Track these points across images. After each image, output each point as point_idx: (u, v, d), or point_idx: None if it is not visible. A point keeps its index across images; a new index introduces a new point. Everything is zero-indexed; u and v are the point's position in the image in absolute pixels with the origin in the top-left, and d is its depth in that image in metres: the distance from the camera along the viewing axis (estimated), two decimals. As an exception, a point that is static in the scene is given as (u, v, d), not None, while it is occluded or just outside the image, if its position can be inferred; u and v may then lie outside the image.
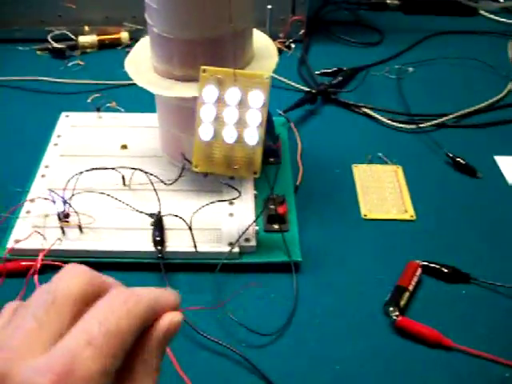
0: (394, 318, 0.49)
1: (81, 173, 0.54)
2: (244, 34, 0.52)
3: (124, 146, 0.60)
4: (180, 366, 0.44)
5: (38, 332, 0.23)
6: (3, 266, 0.51)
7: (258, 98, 0.47)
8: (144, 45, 0.58)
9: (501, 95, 0.75)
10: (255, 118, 0.47)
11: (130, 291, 0.26)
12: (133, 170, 0.56)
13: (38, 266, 0.50)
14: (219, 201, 0.53)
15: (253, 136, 0.47)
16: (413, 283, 0.51)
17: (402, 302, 0.50)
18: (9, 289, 0.50)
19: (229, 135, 0.47)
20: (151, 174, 0.54)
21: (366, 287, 0.52)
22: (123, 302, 0.25)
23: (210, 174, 0.49)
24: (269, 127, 0.48)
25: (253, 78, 0.47)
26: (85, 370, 0.22)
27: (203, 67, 0.47)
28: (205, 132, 0.47)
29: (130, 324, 0.24)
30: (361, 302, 0.51)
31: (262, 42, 0.57)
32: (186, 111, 0.54)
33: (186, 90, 0.51)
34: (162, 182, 0.54)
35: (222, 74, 0.47)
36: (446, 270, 0.53)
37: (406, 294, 0.50)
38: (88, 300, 0.25)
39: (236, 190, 0.51)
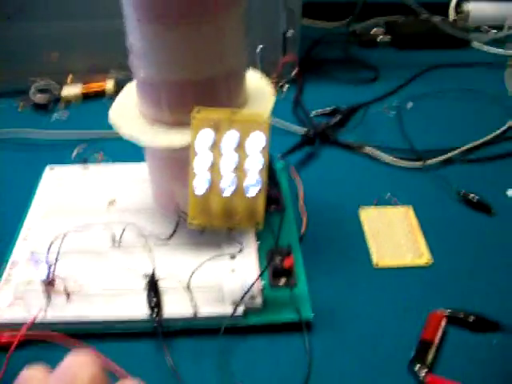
0: (422, 377, 0.44)
1: (65, 233, 0.49)
2: (237, 74, 0.48)
3: (111, 202, 0.55)
4: None
5: None
6: (-18, 343, 0.46)
7: (258, 141, 0.42)
8: (129, 92, 0.54)
9: (506, 126, 0.72)
10: (256, 163, 0.43)
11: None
12: (123, 227, 0.52)
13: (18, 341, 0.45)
14: (219, 256, 0.48)
15: (254, 183, 0.43)
16: (438, 336, 0.47)
17: (429, 359, 0.45)
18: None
19: (227, 185, 0.43)
20: (143, 230, 0.50)
21: (386, 343, 0.47)
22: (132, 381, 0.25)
23: (209, 228, 0.44)
24: (270, 173, 0.44)
25: (251, 118, 0.42)
26: None
27: (197, 108, 0.43)
28: (200, 185, 0.43)
29: None
30: (382, 361, 0.46)
31: (255, 83, 0.53)
32: (178, 161, 0.49)
33: (176, 138, 0.47)
34: (157, 237, 0.49)
35: (218, 115, 0.43)
36: (472, 319, 0.48)
37: (432, 349, 0.46)
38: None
39: (238, 243, 0.46)
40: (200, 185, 0.43)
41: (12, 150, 0.70)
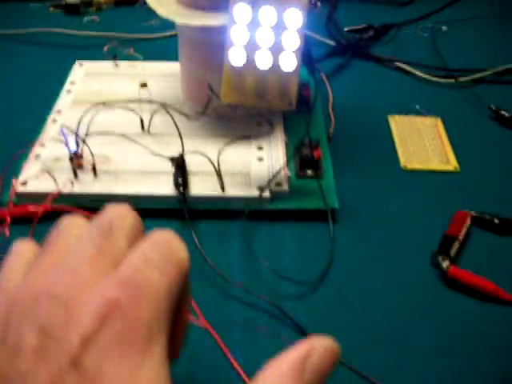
0: (445, 267, 0.44)
1: (95, 111, 0.49)
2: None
3: (144, 85, 0.55)
4: (207, 320, 0.39)
5: (99, 258, 0.22)
6: (8, 212, 0.47)
7: (295, 18, 0.42)
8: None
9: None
10: (292, 41, 0.42)
11: None
12: (152, 113, 0.52)
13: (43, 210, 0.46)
14: (247, 137, 0.48)
15: (289, 61, 0.42)
16: (462, 233, 0.46)
17: (452, 252, 0.45)
18: (15, 238, 0.45)
19: (262, 60, 0.42)
20: (174, 109, 0.50)
21: (410, 238, 0.47)
22: (171, 232, 0.24)
23: (241, 107, 0.44)
24: (307, 55, 0.43)
25: (290, -6, 0.42)
26: (151, 285, 0.21)
27: (234, -18, 0.42)
28: (236, 56, 0.42)
29: (180, 245, 0.24)
30: (405, 253, 0.46)
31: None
32: (212, 46, 0.49)
33: (213, 19, 0.47)
34: (186, 115, 0.49)
35: (255, -10, 0.42)
36: (497, 221, 0.48)
37: (456, 244, 0.45)
38: (138, 234, 0.24)
39: (268, 122, 0.46)
40: (236, 56, 0.42)
41: (42, 48, 0.70)
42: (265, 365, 0.21)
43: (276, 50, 0.42)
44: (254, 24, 0.42)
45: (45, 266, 0.22)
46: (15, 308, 0.21)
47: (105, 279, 0.21)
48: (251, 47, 0.43)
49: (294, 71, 0.43)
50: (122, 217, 0.24)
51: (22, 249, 0.25)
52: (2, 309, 0.21)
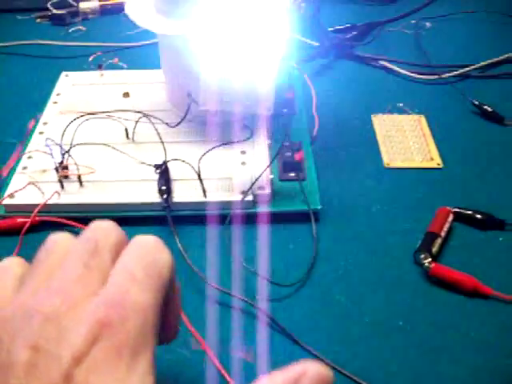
0: (427, 265, 0.44)
1: (80, 122, 0.50)
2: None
3: (126, 94, 0.55)
4: (190, 321, 0.40)
5: (87, 276, 0.23)
6: (-5, 224, 0.48)
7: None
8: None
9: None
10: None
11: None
12: (136, 122, 0.52)
13: (30, 221, 0.47)
14: (230, 142, 0.48)
15: (266, 68, 0.43)
16: (444, 229, 0.47)
17: (434, 249, 0.45)
18: (3, 249, 0.46)
19: (239, 68, 0.43)
20: (156, 118, 0.50)
21: (392, 237, 0.47)
22: (153, 239, 0.25)
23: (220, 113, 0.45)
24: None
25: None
26: (137, 303, 0.22)
27: None
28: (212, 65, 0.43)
29: (162, 252, 0.25)
30: (388, 252, 0.46)
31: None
32: (191, 53, 0.50)
33: (191, 28, 0.47)
34: (167, 124, 0.49)
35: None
36: (479, 217, 0.48)
37: (438, 241, 0.46)
38: (122, 247, 0.25)
39: (248, 127, 0.46)
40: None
41: (29, 59, 0.71)
42: (256, 380, 0.21)
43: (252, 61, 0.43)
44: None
45: (35, 285, 0.23)
46: (7, 326, 0.21)
47: (94, 298, 0.22)
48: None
49: (270, 77, 0.43)
50: (106, 234, 0.25)
51: (11, 264, 0.26)
52: None
